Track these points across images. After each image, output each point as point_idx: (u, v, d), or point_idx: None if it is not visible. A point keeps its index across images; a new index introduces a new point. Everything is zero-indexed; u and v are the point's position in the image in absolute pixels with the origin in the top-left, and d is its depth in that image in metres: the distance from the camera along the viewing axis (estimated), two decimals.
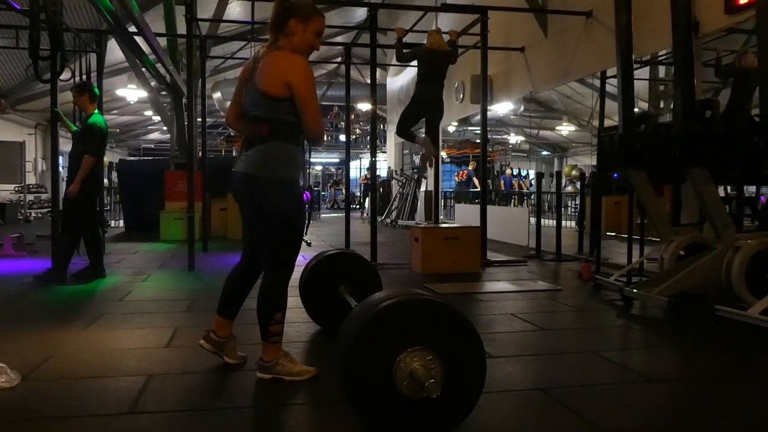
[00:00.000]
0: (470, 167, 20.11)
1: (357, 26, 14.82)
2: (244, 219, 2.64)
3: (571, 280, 5.41)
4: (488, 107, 7.18)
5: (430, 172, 11.08)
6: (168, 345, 3.11)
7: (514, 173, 23.12)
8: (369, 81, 6.79)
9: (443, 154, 18.70)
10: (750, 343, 3.25)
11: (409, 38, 6.88)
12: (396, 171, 14.82)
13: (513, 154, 26.04)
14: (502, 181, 20.93)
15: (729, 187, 6.63)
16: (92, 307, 4.07)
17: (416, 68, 6.32)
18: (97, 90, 5.52)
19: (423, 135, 6.31)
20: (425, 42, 6.23)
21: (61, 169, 6.91)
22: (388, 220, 13.14)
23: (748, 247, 3.84)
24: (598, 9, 6.51)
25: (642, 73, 7.73)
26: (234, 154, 22.08)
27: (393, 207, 13.63)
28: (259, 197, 2.45)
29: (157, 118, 19.06)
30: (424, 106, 6.13)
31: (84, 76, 6.92)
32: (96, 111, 5.21)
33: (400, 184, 13.70)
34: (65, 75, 5.45)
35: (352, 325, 1.91)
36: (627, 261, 5.33)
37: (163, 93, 12.00)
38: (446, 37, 6.55)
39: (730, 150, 3.71)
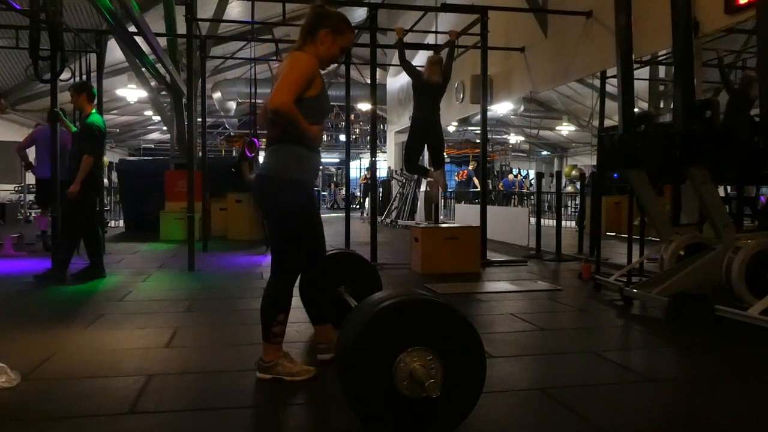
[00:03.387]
0: (470, 167, 20.13)
1: (357, 26, 14.76)
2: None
3: (571, 280, 5.41)
4: (488, 107, 7.17)
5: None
6: (168, 345, 3.11)
7: (515, 174, 23.13)
8: (369, 81, 6.78)
9: None
10: (750, 343, 3.25)
11: (409, 38, 6.88)
12: (396, 171, 14.81)
13: (513, 154, 26.06)
14: (501, 184, 20.93)
15: (729, 187, 6.63)
16: (92, 307, 4.07)
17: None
18: (95, 90, 5.52)
19: (432, 170, 6.20)
20: (425, 62, 6.06)
21: None
22: (388, 220, 13.13)
23: (748, 247, 3.84)
24: (598, 9, 6.51)
25: (642, 73, 7.73)
26: (234, 154, 22.06)
27: (393, 207, 13.63)
28: (269, 197, 2.49)
29: (157, 118, 19.07)
30: (422, 128, 5.97)
31: (84, 76, 6.92)
32: (94, 111, 5.21)
33: (400, 184, 13.69)
34: (65, 75, 5.44)
35: (351, 326, 1.92)
36: (627, 261, 5.33)
37: (163, 93, 11.99)
38: (445, 37, 6.53)
39: (730, 150, 3.71)
